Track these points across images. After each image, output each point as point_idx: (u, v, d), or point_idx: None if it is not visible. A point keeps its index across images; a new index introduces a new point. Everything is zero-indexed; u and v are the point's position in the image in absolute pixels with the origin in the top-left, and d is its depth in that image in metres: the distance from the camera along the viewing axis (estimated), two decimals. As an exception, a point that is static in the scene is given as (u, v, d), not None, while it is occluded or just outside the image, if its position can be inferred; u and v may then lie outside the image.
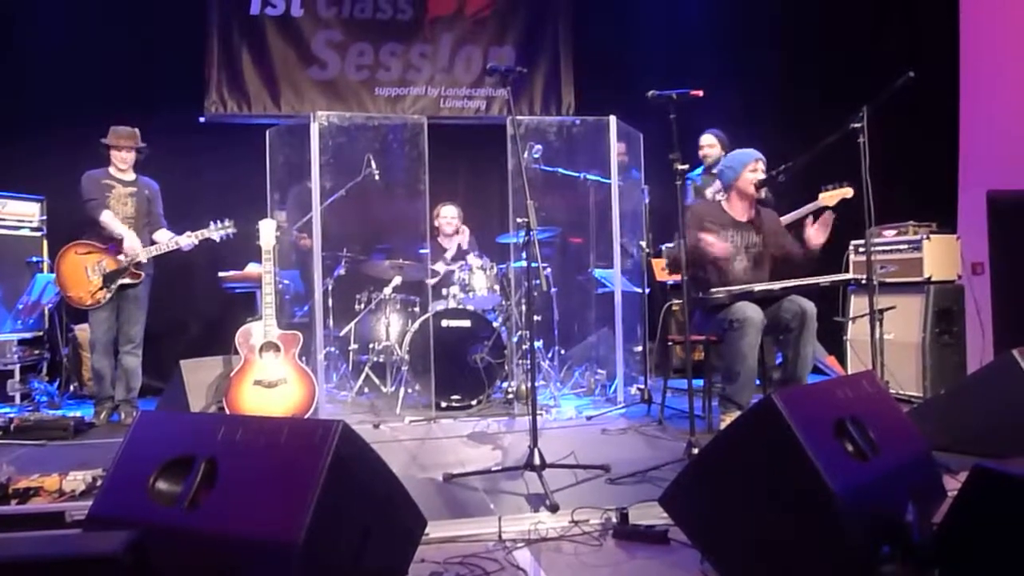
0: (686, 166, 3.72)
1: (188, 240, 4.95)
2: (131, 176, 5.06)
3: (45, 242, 5.91)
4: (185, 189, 5.62)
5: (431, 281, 5.60)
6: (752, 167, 4.32)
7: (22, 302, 5.62)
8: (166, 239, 4.99)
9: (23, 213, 5.81)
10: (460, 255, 5.86)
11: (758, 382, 4.39)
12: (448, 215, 6.10)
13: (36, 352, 5.79)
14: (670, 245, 4.46)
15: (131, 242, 4.86)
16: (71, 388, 5.82)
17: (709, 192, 5.51)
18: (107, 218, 4.87)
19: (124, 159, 4.99)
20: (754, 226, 4.39)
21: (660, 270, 5.87)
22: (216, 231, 4.99)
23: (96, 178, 4.95)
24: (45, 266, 5.85)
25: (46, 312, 5.84)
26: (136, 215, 5.01)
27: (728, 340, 4.05)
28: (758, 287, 4.10)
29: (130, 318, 4.99)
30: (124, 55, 6.26)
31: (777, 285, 4.13)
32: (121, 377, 5.02)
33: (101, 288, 4.86)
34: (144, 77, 6.26)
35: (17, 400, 5.50)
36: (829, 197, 5.05)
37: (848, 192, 4.96)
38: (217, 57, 6.64)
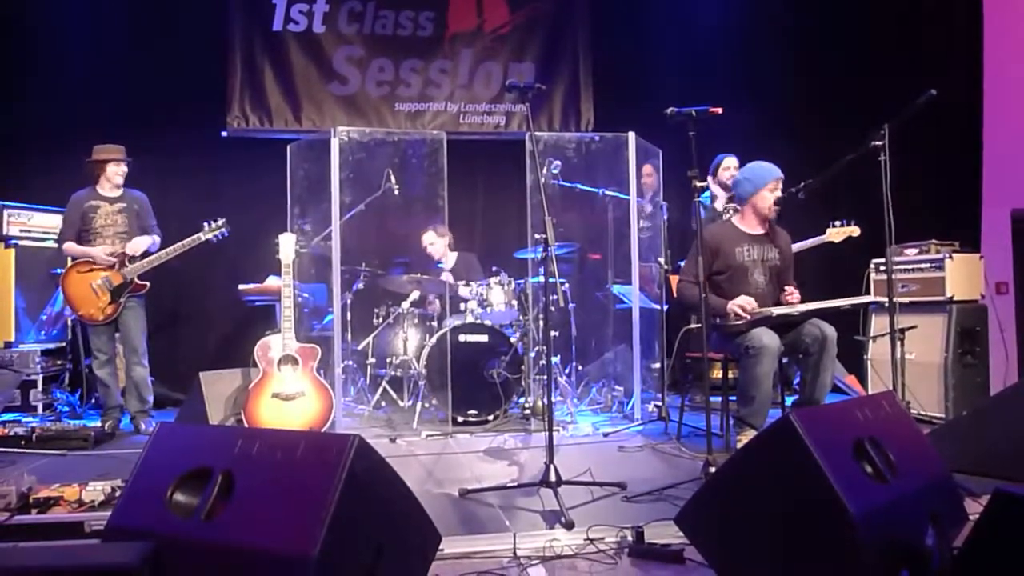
0: (704, 183, 3.70)
1: (183, 248, 4.99)
2: (118, 192, 5.11)
3: (69, 254, 5.99)
4: (206, 202, 5.67)
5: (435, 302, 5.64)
6: (772, 186, 4.22)
7: (46, 313, 5.68)
8: (154, 248, 5.04)
9: (48, 226, 5.88)
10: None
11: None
12: (426, 241, 6.05)
13: (59, 363, 5.84)
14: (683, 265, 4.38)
15: (101, 253, 4.91)
16: (92, 399, 5.87)
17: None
18: (69, 247, 4.97)
19: (121, 173, 5.05)
20: (770, 239, 4.32)
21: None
22: (210, 232, 5.02)
23: (80, 201, 5.02)
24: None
25: (69, 323, 5.91)
26: (128, 230, 5.06)
27: (744, 366, 4.01)
28: (776, 311, 4.03)
29: (129, 327, 5.03)
30: (148, 70, 6.34)
31: (796, 309, 4.05)
32: (132, 389, 5.07)
33: (111, 303, 4.92)
34: (167, 92, 6.34)
35: (39, 410, 5.56)
36: (837, 233, 5.00)
37: (855, 231, 4.92)
38: (239, 73, 6.71)
